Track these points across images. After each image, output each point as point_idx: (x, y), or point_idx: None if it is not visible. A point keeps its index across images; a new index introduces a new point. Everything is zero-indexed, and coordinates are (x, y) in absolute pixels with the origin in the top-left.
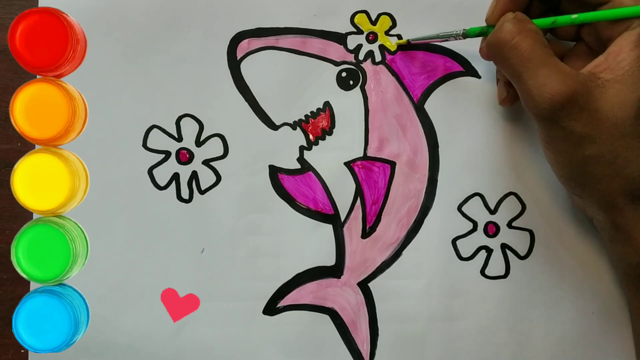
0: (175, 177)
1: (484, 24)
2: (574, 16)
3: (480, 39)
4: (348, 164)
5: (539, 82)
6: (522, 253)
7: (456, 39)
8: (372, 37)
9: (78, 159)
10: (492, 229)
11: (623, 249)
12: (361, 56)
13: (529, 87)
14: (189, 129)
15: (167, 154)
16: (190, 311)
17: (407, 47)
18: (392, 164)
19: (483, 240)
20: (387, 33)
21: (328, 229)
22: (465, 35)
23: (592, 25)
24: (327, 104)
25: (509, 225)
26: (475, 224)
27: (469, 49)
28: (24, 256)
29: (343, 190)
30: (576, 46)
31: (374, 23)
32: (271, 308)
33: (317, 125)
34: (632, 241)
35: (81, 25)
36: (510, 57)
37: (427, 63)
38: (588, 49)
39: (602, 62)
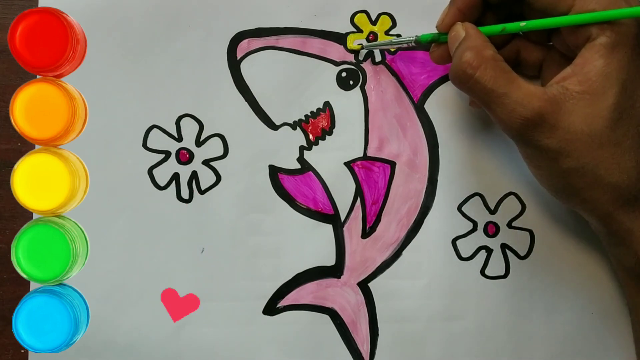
0: (175, 177)
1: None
2: (522, 24)
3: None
4: (348, 164)
5: (506, 110)
6: (522, 253)
7: (409, 46)
8: (372, 37)
9: (78, 159)
10: (492, 229)
11: (620, 251)
12: (361, 56)
13: (497, 114)
14: (189, 129)
15: (167, 154)
16: (190, 311)
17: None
18: (392, 164)
19: (483, 240)
20: (387, 33)
21: (328, 229)
22: (417, 42)
23: (559, 34)
24: (327, 104)
25: (509, 225)
26: (475, 224)
27: None
28: (24, 256)
29: (343, 190)
30: (552, 51)
31: (374, 23)
32: (271, 308)
33: (317, 125)
34: (628, 244)
35: (81, 25)
36: (475, 90)
37: (427, 63)
38: (562, 53)
39: (569, 73)
